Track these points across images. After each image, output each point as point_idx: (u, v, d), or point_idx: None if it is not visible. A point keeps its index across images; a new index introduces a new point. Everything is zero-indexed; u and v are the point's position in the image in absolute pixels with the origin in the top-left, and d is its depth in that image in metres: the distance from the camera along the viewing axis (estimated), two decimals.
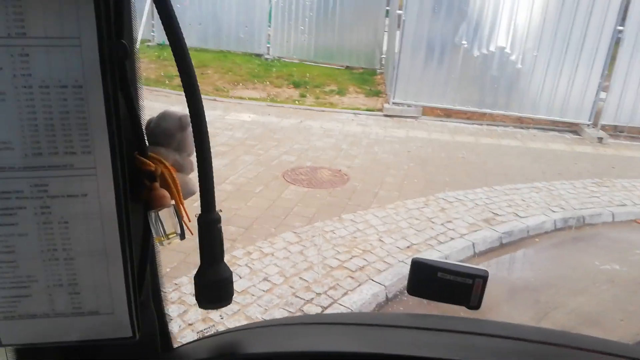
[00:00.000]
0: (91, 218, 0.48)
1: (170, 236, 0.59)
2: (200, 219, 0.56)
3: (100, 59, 0.44)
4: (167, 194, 0.57)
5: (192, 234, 0.64)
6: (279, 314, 2.77)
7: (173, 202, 0.58)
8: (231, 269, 0.60)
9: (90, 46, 0.44)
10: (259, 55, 9.06)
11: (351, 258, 3.36)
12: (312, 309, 2.86)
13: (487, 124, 6.85)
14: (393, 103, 6.83)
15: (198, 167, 0.56)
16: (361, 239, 3.60)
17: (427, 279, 0.77)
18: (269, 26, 8.88)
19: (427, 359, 0.53)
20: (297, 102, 7.02)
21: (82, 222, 0.47)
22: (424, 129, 6.51)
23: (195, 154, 0.57)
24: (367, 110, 7.05)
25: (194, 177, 0.63)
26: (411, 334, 0.65)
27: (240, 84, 7.74)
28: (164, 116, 0.62)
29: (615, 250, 3.92)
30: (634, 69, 6.29)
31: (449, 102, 6.80)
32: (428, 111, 6.93)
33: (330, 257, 3.36)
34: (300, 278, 3.07)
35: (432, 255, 3.52)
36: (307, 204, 4.05)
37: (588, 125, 6.62)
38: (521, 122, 6.93)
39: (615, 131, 6.67)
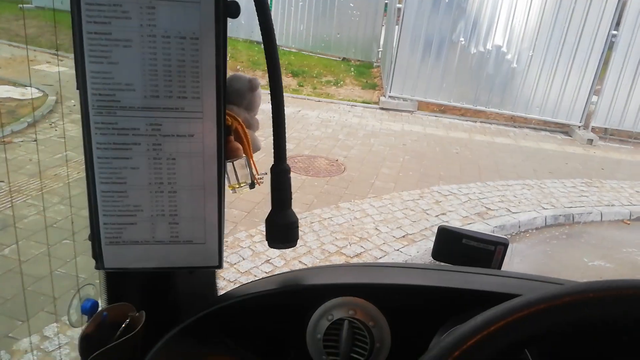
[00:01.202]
0: (195, 156, 0.53)
1: (242, 185, 0.65)
2: (273, 168, 0.62)
3: (215, 15, 0.49)
4: (240, 146, 0.62)
5: (259, 185, 0.69)
6: None
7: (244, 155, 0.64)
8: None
9: (207, 3, 0.48)
10: (259, 43, 9.03)
11: (348, 245, 3.42)
12: None
13: (481, 122, 6.95)
14: (389, 96, 6.89)
15: (273, 124, 0.62)
16: (358, 227, 3.67)
17: (452, 245, 0.83)
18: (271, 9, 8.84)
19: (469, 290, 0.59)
20: (295, 91, 7.05)
21: (187, 160, 0.53)
22: (419, 123, 6.59)
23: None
24: (364, 102, 7.11)
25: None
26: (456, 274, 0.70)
27: (241, 70, 7.75)
28: (235, 78, 0.67)
29: (604, 248, 4.04)
30: (626, 73, 6.42)
31: (444, 98, 6.88)
32: (423, 106, 7.02)
33: (328, 242, 3.43)
34: (300, 262, 3.12)
35: (427, 245, 3.61)
36: (306, 191, 4.10)
37: (579, 126, 6.76)
38: (514, 121, 7.05)
39: (606, 134, 6.82)
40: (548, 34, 6.44)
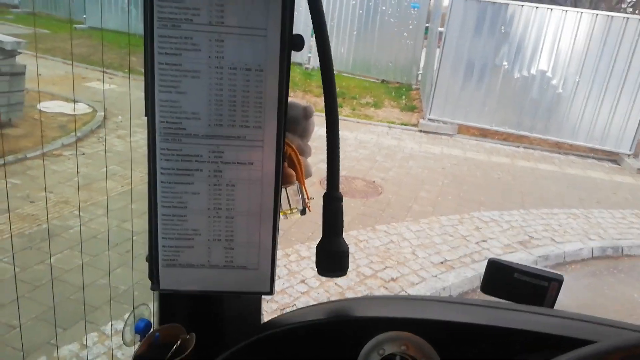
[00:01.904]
0: (253, 183, 0.53)
1: (293, 210, 0.66)
2: (327, 196, 0.62)
3: (280, 47, 0.50)
4: (293, 173, 0.63)
5: (310, 211, 0.70)
6: None
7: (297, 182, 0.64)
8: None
9: (273, 36, 0.50)
10: (299, 65, 9.21)
11: (384, 268, 3.38)
12: None
13: (524, 147, 6.79)
14: (429, 119, 6.85)
15: (328, 151, 0.62)
16: (394, 251, 3.62)
17: (503, 279, 0.80)
18: (312, 37, 9.02)
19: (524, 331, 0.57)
20: None
21: (246, 186, 0.53)
22: (459, 147, 6.50)
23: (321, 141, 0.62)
24: (402, 124, 7.08)
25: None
26: (513, 312, 0.68)
27: (290, 96, 7.86)
28: (290, 105, 0.68)
29: None
30: None
31: (486, 122, 6.78)
32: (464, 130, 6.93)
33: (364, 265, 3.39)
34: (335, 284, 3.10)
35: (465, 273, 3.52)
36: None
37: (628, 155, 6.51)
38: (559, 148, 6.85)
39: None
40: (596, 58, 6.27)
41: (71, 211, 3.66)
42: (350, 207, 4.21)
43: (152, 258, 0.55)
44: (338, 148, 0.63)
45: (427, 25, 8.36)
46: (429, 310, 0.64)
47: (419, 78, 8.92)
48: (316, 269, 0.65)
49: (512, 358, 0.56)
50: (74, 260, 2.97)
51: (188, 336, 0.59)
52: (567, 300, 3.70)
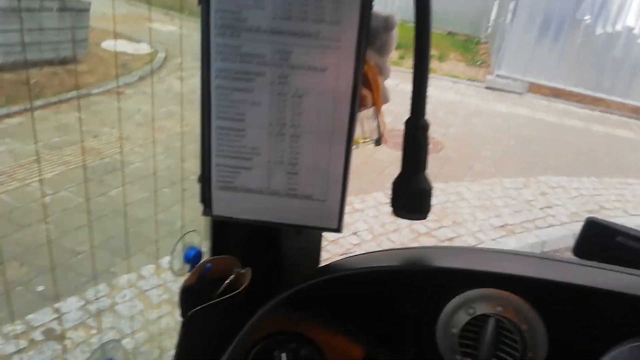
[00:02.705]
0: (325, 95, 0.43)
1: (366, 140, 0.56)
2: (409, 122, 0.51)
3: None
4: (369, 94, 0.52)
5: (386, 141, 0.60)
6: None
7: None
8: None
9: None
10: None
11: (440, 227, 3.25)
12: None
13: (600, 110, 6.27)
14: (497, 75, 6.43)
15: (415, 69, 0.51)
16: (451, 210, 3.47)
17: (603, 241, 0.72)
18: None
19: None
20: (395, 64, 6.81)
21: (315, 98, 0.44)
22: (528, 106, 6.08)
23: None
24: (468, 79, 6.70)
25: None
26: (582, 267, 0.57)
27: None
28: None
29: None
30: None
31: (560, 81, 6.28)
32: (534, 88, 6.46)
33: (418, 223, 3.28)
34: (388, 239, 3.02)
35: (527, 239, 3.33)
36: (398, 167, 3.95)
37: None
38: (638, 114, 6.29)
39: None
40: None
41: (131, 148, 3.74)
42: None
43: (205, 179, 0.47)
44: (428, 66, 0.52)
45: None
46: (521, 265, 0.53)
47: (489, 31, 8.35)
48: (391, 209, 0.55)
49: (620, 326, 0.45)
50: (133, 194, 3.03)
51: (242, 271, 0.51)
52: None
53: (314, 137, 0.45)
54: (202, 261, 0.52)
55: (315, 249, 0.64)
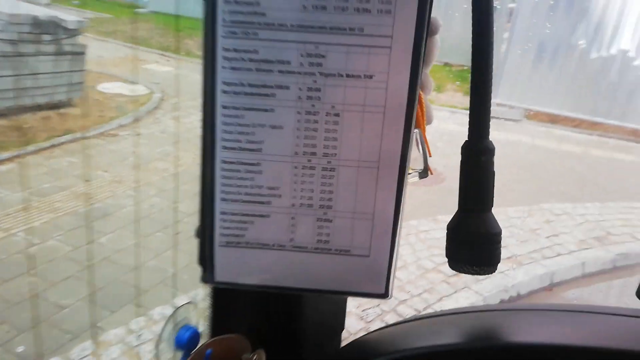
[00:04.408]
0: (371, 111, 0.32)
1: (409, 170, 0.45)
2: (468, 147, 0.40)
3: None
4: None
5: (431, 173, 0.49)
6: (372, 312, 2.60)
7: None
8: None
9: None
10: None
11: (446, 262, 3.11)
12: (407, 311, 2.67)
13: (598, 135, 6.24)
14: (495, 104, 6.43)
15: (473, 83, 0.40)
16: None
17: None
18: None
19: None
20: None
21: (357, 118, 0.32)
22: (526, 133, 6.04)
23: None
24: (465, 109, 6.69)
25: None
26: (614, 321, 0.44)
27: None
28: None
29: None
30: None
31: (557, 107, 6.27)
32: (532, 115, 6.45)
33: (424, 257, 3.14)
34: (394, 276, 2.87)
35: (535, 270, 3.20)
36: (454, 204, 3.84)
37: None
38: (637, 136, 6.25)
39: None
40: None
41: (124, 191, 3.61)
42: (410, 196, 3.89)
43: (205, 233, 0.35)
44: (490, 78, 0.41)
45: (495, 5, 7.85)
46: (519, 328, 0.41)
47: None
48: (447, 259, 0.43)
49: None
50: (124, 240, 2.89)
51: (254, 355, 0.38)
52: None
53: (355, 171, 0.33)
54: (200, 345, 0.39)
55: (339, 313, 0.51)
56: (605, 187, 4.69)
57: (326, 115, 0.32)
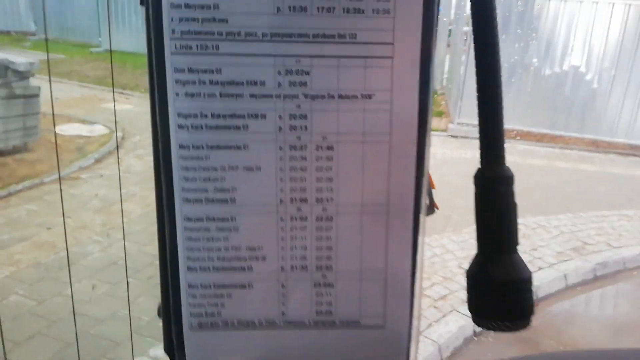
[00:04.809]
0: (373, 141, 0.25)
1: None
2: (482, 175, 0.33)
3: None
4: None
5: (437, 209, 0.42)
6: None
7: None
8: None
9: None
10: None
11: (432, 285, 3.05)
12: None
13: (560, 147, 6.40)
14: (458, 123, 6.53)
15: (482, 94, 0.34)
16: (440, 265, 3.30)
17: None
18: None
19: None
20: None
21: (356, 149, 0.25)
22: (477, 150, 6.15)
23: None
24: (431, 130, 6.78)
25: None
26: None
27: None
28: None
29: None
30: None
31: (517, 123, 6.42)
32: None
33: None
34: None
35: None
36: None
37: None
38: (597, 146, 6.44)
39: None
40: (632, 50, 5.90)
41: (89, 236, 3.43)
42: None
43: (169, 313, 0.27)
44: (500, 93, 0.35)
45: (450, 27, 8.06)
46: None
47: (444, 82, 8.60)
48: (472, 315, 0.35)
49: None
50: (92, 290, 2.72)
51: None
52: (633, 311, 3.31)
53: (358, 219, 0.26)
54: None
55: None
56: (573, 198, 4.77)
57: (316, 150, 0.24)
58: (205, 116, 0.24)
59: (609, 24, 5.94)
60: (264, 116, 0.24)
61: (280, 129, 0.24)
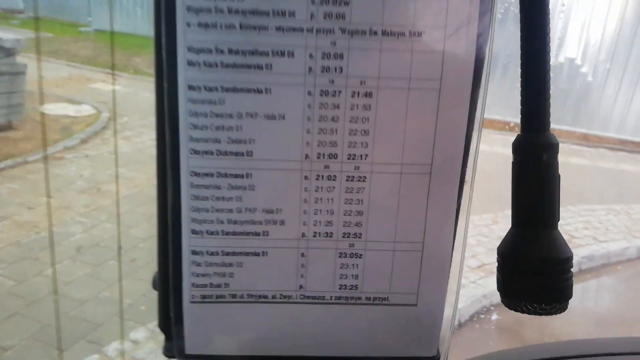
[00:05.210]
0: (420, 88, 0.23)
1: None
2: (522, 143, 0.30)
3: None
4: None
5: None
6: None
7: None
8: None
9: None
10: None
11: None
12: None
13: None
14: None
15: (527, 54, 0.31)
16: None
17: None
18: None
19: None
20: None
21: (400, 97, 0.22)
22: (484, 141, 6.12)
23: None
24: None
25: None
26: None
27: None
28: None
29: None
30: None
31: (511, 115, 6.43)
32: (487, 123, 6.59)
33: None
34: None
35: None
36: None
37: None
38: (587, 140, 6.49)
39: None
40: (628, 44, 5.93)
41: (72, 217, 3.36)
42: None
43: (167, 283, 0.23)
44: (548, 52, 0.31)
45: None
46: None
47: None
48: (502, 296, 0.32)
49: None
50: (73, 271, 2.67)
51: None
52: (619, 305, 3.35)
53: (396, 181, 0.22)
54: None
55: None
56: (563, 191, 4.79)
57: (352, 97, 0.21)
58: (221, 52, 0.20)
59: (607, 15, 5.97)
60: (291, 54, 0.20)
61: (310, 70, 0.20)
